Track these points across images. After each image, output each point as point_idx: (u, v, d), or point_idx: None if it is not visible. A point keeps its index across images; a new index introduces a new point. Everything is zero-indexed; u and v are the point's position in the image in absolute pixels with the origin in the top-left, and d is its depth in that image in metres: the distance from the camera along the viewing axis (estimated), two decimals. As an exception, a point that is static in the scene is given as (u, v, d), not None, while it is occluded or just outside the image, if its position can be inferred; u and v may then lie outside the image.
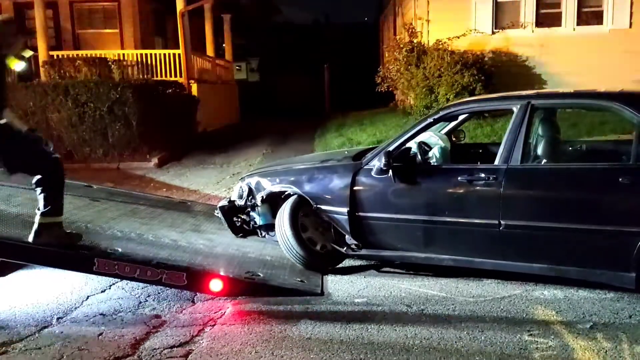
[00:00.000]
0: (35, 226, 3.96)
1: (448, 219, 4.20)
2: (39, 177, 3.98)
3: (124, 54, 13.96)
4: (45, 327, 3.70)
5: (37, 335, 3.58)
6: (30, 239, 3.95)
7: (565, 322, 3.56)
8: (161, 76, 13.61)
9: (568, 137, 6.24)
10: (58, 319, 3.84)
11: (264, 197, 4.97)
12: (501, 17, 11.96)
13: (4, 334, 3.59)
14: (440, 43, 11.32)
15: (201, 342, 3.44)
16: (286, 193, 4.82)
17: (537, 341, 3.31)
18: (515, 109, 4.17)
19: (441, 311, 3.79)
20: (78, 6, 15.48)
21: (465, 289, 4.17)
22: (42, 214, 3.97)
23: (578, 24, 11.78)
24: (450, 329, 3.50)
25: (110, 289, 4.39)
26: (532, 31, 11.78)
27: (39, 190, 4.00)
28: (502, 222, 3.94)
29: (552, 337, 3.36)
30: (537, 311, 3.75)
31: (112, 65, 12.63)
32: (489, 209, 4.02)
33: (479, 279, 4.32)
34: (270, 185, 4.97)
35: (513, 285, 4.21)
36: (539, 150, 4.32)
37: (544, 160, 4.24)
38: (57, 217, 4.07)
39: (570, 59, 11.33)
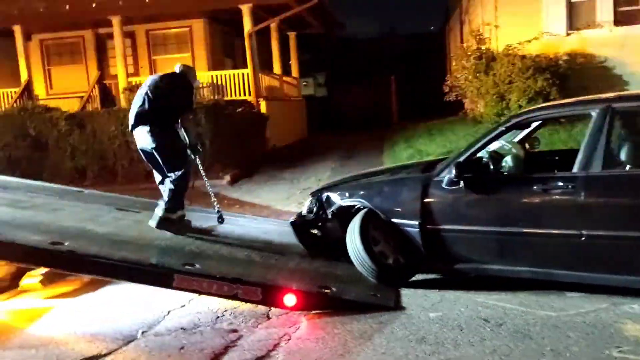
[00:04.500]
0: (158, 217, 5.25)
1: (524, 230, 4.06)
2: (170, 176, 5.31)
3: (196, 77, 14.53)
4: (131, 341, 3.88)
5: (124, 348, 3.77)
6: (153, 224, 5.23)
7: (658, 338, 3.34)
8: (231, 95, 14.06)
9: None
10: (143, 332, 4.02)
11: (335, 211, 5.00)
12: (575, 18, 11.47)
13: (93, 347, 3.81)
14: (510, 48, 10.99)
15: (277, 356, 3.49)
16: (356, 207, 4.83)
17: (628, 358, 3.12)
18: (594, 114, 3.98)
19: (521, 326, 3.65)
20: (153, 33, 16.33)
21: (546, 303, 4.00)
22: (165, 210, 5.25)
23: (661, 20, 11.10)
24: (532, 345, 3.36)
25: (189, 303, 4.56)
26: (610, 30, 11.20)
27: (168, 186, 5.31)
28: (584, 232, 3.75)
29: (645, 354, 3.16)
30: (626, 326, 3.53)
31: (186, 88, 13.15)
32: (569, 219, 3.85)
33: (561, 292, 4.13)
34: (340, 200, 4.99)
35: (598, 298, 3.98)
36: (622, 156, 4.09)
37: (628, 166, 4.01)
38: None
39: (654, 58, 10.68)
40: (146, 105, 5.31)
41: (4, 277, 5.03)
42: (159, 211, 5.30)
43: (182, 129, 5.45)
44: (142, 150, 5.47)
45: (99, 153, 11.62)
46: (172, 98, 5.40)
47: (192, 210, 6.36)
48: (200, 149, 5.71)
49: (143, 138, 5.35)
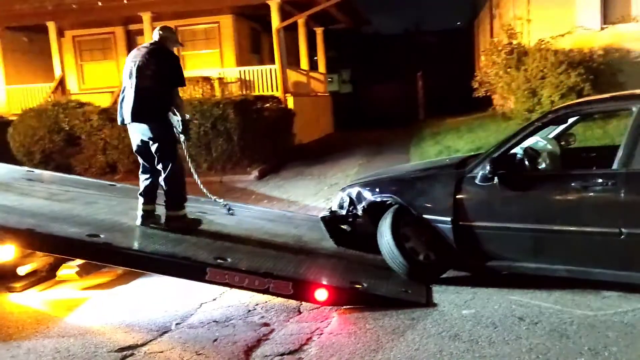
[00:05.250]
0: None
1: (561, 228, 3.99)
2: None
3: (224, 72, 14.65)
4: (165, 332, 3.94)
5: (159, 339, 3.83)
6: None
7: (701, 340, 3.25)
8: (259, 91, 14.12)
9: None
10: (177, 324, 4.08)
11: (365, 207, 4.98)
12: (610, 12, 11.22)
13: (130, 337, 3.88)
14: (542, 42, 10.80)
15: (310, 350, 3.51)
16: (387, 203, 4.81)
17: (670, 360, 3.05)
18: (635, 109, 3.88)
19: (557, 325, 3.59)
20: (182, 29, 16.46)
21: (582, 302, 3.92)
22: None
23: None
24: (569, 344, 3.30)
25: (221, 296, 4.60)
26: (646, 25, 10.94)
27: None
28: (624, 230, 3.67)
29: (687, 355, 3.08)
30: (667, 327, 3.45)
31: (215, 83, 13.28)
32: (608, 217, 3.77)
33: (598, 291, 4.04)
34: (371, 195, 4.98)
35: (637, 297, 3.89)
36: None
37: (669, 163, 3.91)
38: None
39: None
40: (143, 96, 4.86)
41: (42, 268, 5.14)
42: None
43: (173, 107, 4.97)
44: (135, 144, 5.11)
45: (129, 147, 11.72)
46: (163, 79, 4.91)
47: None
48: (189, 131, 5.21)
49: (139, 129, 4.98)
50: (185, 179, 5.24)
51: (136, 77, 4.88)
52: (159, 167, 5.00)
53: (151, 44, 5.11)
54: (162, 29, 5.20)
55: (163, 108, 4.97)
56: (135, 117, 4.92)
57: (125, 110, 4.96)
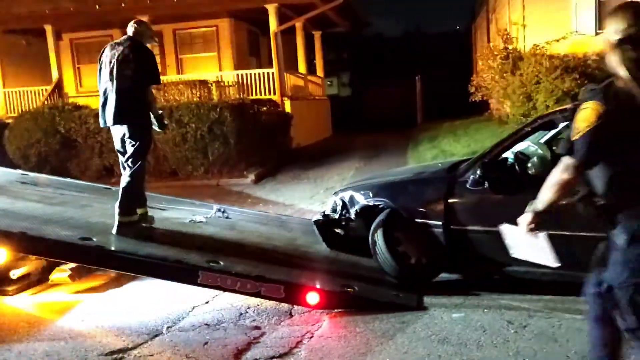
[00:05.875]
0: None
1: (551, 232, 3.99)
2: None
3: (221, 76, 14.69)
4: (156, 336, 3.95)
5: (149, 343, 3.84)
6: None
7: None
8: (256, 95, 14.16)
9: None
10: (167, 327, 4.09)
11: (358, 210, 5.00)
12: (605, 17, 11.24)
13: (120, 341, 3.89)
14: (537, 48, 10.84)
15: (299, 354, 3.52)
16: (380, 207, 4.83)
17: (656, 364, 3.06)
18: (622, 114, 3.90)
19: (545, 328, 3.61)
20: (180, 33, 16.53)
21: (571, 306, 3.94)
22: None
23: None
24: (556, 348, 3.33)
25: (213, 300, 4.61)
26: (641, 29, 10.98)
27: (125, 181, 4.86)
28: (612, 234, 3.69)
29: (673, 359, 3.09)
30: (654, 331, 3.47)
31: (212, 87, 13.32)
32: (597, 221, 3.78)
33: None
34: (363, 199, 4.99)
35: (626, 302, 3.91)
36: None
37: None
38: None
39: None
40: (125, 97, 4.79)
41: (35, 271, 5.15)
42: (116, 216, 4.78)
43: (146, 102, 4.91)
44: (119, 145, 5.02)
45: (126, 151, 11.82)
46: (138, 77, 4.83)
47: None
48: (166, 123, 5.22)
49: (121, 130, 4.92)
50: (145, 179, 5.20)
51: (117, 78, 4.79)
52: (128, 163, 4.88)
53: (126, 39, 4.95)
54: (137, 22, 5.07)
55: (143, 108, 4.91)
56: (118, 120, 4.85)
57: (108, 114, 4.88)
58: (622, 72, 2.12)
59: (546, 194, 2.42)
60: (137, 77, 4.84)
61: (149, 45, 5.09)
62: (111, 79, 4.83)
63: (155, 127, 5.05)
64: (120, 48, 4.88)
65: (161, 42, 16.47)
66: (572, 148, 2.23)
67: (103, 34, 16.67)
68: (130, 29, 5.01)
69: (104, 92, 4.91)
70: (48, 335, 4.08)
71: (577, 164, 2.23)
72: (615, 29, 2.16)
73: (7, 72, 16.11)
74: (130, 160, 4.90)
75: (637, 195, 2.19)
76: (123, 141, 4.97)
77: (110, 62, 4.85)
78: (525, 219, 2.55)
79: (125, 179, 4.89)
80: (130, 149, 4.90)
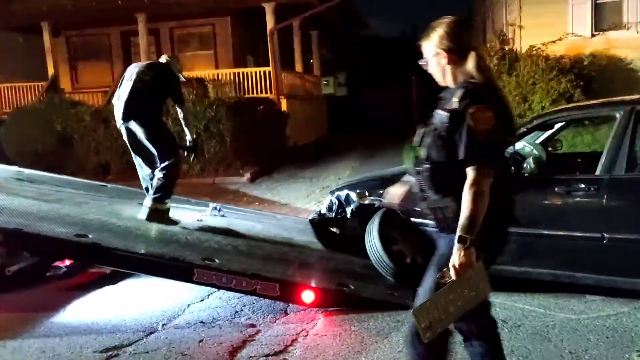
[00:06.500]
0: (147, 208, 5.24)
1: (545, 232, 4.03)
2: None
3: (218, 74, 14.68)
4: (151, 333, 3.95)
5: (144, 340, 3.83)
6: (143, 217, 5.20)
7: (680, 344, 3.29)
8: (253, 93, 14.14)
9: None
10: (163, 325, 4.09)
11: (354, 209, 5.01)
12: (601, 19, 11.31)
13: (115, 338, 3.88)
14: (533, 49, 10.87)
15: (295, 352, 3.53)
16: (375, 205, 4.84)
17: (648, 363, 3.09)
18: (618, 116, 3.94)
19: (540, 328, 3.63)
20: (177, 31, 16.51)
21: (566, 305, 3.97)
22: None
23: (690, 21, 10.88)
24: (550, 347, 3.34)
25: (208, 298, 4.62)
26: (638, 32, 11.02)
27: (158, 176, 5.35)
28: (606, 235, 3.72)
29: (666, 359, 3.12)
30: (647, 331, 3.50)
31: (208, 85, 13.30)
32: (591, 222, 3.82)
33: (581, 295, 4.09)
34: (359, 198, 5.00)
35: (620, 302, 3.94)
36: (646, 159, 4.04)
37: (652, 169, 3.96)
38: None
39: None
40: (137, 97, 5.33)
41: (30, 268, 5.13)
42: (147, 202, 5.31)
43: (183, 123, 5.70)
44: (132, 144, 5.53)
45: (122, 148, 11.75)
46: (158, 89, 5.48)
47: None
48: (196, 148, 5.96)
49: (135, 129, 5.38)
50: (179, 175, 5.69)
51: (134, 80, 5.34)
52: (161, 161, 5.41)
53: (156, 62, 5.73)
54: (170, 55, 5.88)
55: (155, 113, 5.46)
56: (126, 117, 5.34)
57: (118, 111, 5.40)
58: None
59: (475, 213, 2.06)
60: (155, 83, 5.42)
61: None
62: (129, 80, 5.38)
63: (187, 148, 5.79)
64: (147, 63, 5.73)
65: (158, 40, 16.46)
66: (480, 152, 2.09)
67: (100, 32, 16.70)
68: (163, 58, 5.79)
69: (119, 96, 5.44)
70: (43, 331, 4.07)
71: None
72: None
73: (3, 68, 16.03)
74: (160, 161, 5.41)
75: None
76: (139, 140, 5.42)
77: (134, 74, 5.40)
78: (461, 259, 2.07)
79: (158, 173, 5.37)
80: (153, 151, 5.41)
